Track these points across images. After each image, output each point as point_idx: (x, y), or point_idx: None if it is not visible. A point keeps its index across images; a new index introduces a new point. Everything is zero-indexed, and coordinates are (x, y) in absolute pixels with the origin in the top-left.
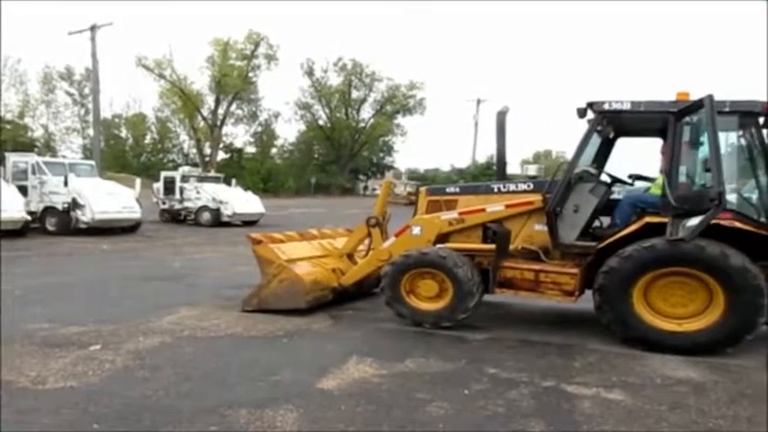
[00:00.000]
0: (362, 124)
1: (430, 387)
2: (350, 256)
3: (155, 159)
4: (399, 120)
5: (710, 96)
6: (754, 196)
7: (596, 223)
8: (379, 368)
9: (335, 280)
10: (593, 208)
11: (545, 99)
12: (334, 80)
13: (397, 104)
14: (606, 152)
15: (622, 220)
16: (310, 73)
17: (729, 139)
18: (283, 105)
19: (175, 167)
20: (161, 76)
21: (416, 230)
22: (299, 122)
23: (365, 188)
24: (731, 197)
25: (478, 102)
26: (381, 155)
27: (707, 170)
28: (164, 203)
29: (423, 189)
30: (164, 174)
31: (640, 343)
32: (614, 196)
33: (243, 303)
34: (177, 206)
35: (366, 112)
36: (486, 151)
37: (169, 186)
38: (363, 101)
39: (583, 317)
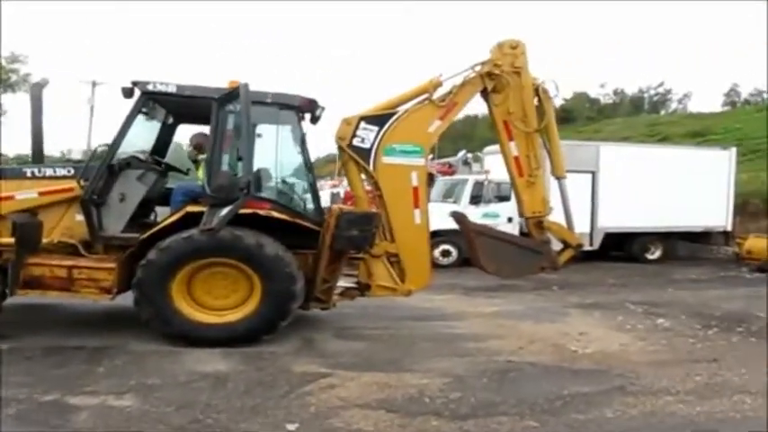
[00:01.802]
0: None
1: None
2: None
3: None
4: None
5: (245, 85)
6: (298, 188)
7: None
8: None
9: None
10: (142, 197)
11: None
12: None
13: None
14: (167, 138)
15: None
16: None
17: (283, 132)
18: None
19: None
20: None
21: None
22: None
23: None
24: (276, 188)
25: (94, 84)
26: None
27: (239, 159)
28: None
29: None
30: None
31: (181, 339)
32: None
33: None
34: None
35: None
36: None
37: None
38: None
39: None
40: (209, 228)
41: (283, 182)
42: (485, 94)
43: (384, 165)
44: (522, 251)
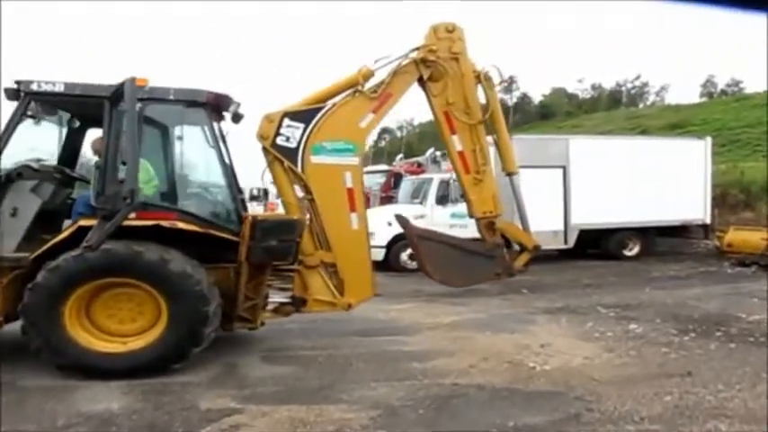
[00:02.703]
0: None
1: None
2: None
3: None
4: None
5: (131, 79)
6: (212, 195)
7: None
8: None
9: None
10: (37, 210)
11: None
12: None
13: None
14: (76, 144)
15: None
16: None
17: (193, 133)
18: None
19: None
20: None
21: None
22: None
23: None
24: (185, 195)
25: None
26: None
27: (123, 163)
28: None
29: None
30: None
31: (77, 371)
32: None
33: None
34: None
35: None
36: None
37: None
38: None
39: None
40: (88, 245)
41: (196, 188)
42: (422, 83)
43: (313, 165)
44: (473, 256)
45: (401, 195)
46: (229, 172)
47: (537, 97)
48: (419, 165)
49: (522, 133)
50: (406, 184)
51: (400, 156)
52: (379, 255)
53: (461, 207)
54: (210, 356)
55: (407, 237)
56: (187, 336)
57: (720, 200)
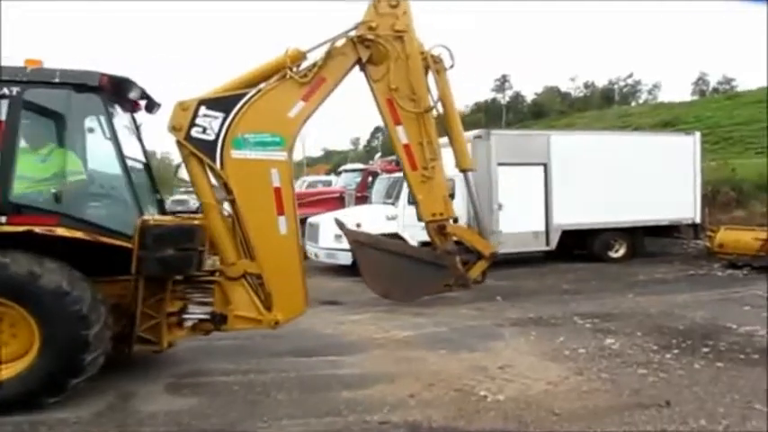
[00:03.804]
0: None
1: None
2: None
3: None
4: None
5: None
6: (107, 196)
7: None
8: None
9: None
10: None
11: None
12: None
13: None
14: None
15: None
16: None
17: (87, 122)
18: None
19: None
20: None
21: None
22: None
23: None
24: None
25: None
26: None
27: None
28: None
29: None
30: None
31: None
32: None
33: None
34: None
35: None
36: None
37: None
38: None
39: None
40: None
41: (88, 187)
42: (362, 66)
43: (234, 161)
44: (420, 266)
45: (374, 195)
46: (127, 168)
47: (530, 96)
48: (397, 163)
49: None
50: (380, 184)
51: (379, 153)
52: (347, 259)
53: None
54: (104, 386)
55: (349, 243)
56: (63, 364)
57: (711, 198)
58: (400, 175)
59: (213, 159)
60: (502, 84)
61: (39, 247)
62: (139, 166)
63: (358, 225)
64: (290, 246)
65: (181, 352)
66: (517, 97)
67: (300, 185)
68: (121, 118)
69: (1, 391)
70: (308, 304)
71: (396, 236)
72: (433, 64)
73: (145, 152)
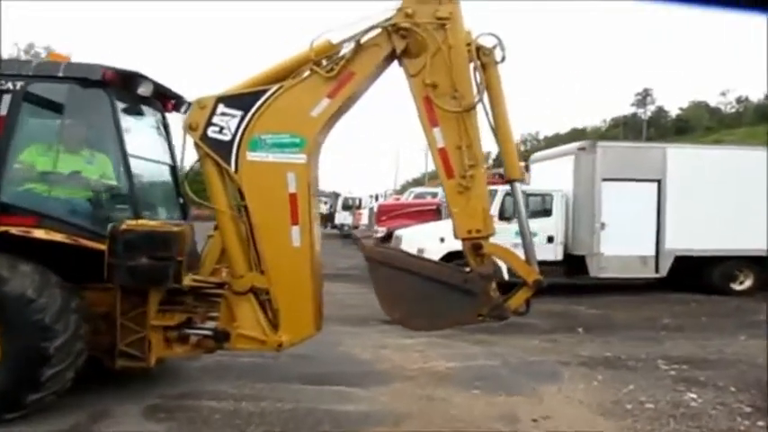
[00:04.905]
0: None
1: None
2: None
3: None
4: None
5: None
6: (102, 196)
7: None
8: None
9: None
10: None
11: None
12: None
13: None
14: None
15: None
16: None
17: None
18: None
19: None
20: None
21: None
22: None
23: None
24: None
25: None
26: None
27: None
28: None
29: None
30: None
31: None
32: None
33: None
34: None
35: None
36: None
37: None
38: None
39: None
40: None
41: (83, 187)
42: (398, 59)
43: (249, 163)
44: (447, 290)
45: None
46: (129, 167)
47: (674, 111)
48: (501, 176)
49: None
50: None
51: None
52: None
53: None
54: (81, 402)
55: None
56: (22, 378)
57: None
58: (499, 188)
59: (228, 161)
60: (643, 98)
61: (28, 251)
62: (162, 167)
63: (442, 239)
64: (303, 260)
65: (187, 369)
66: (659, 112)
67: (408, 196)
68: (145, 116)
69: None
70: (320, 327)
71: None
72: (483, 57)
73: (172, 153)
